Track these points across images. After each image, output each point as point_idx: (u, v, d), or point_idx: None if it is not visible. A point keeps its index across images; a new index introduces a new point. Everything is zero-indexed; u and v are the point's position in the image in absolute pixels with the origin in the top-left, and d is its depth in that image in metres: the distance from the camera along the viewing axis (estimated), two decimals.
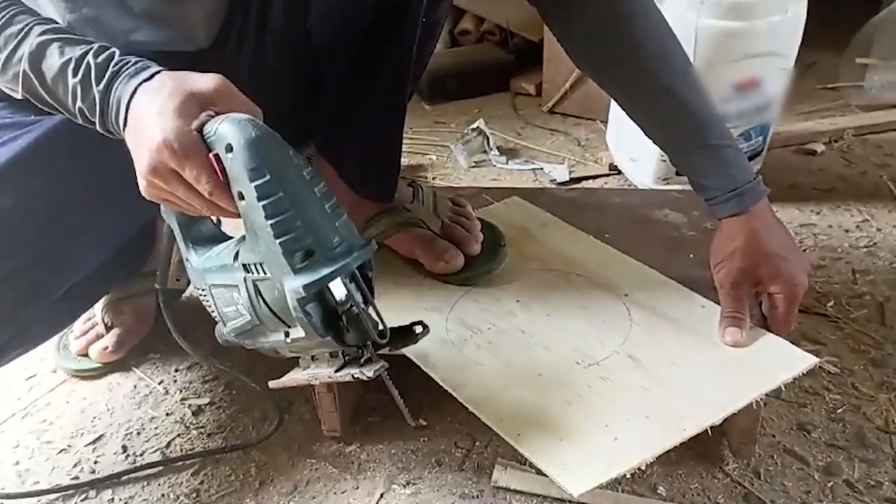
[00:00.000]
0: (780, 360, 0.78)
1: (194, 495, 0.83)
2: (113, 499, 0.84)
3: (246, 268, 0.64)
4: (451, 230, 0.94)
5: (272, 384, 0.75)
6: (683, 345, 0.81)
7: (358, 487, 0.83)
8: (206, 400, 0.97)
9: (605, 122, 1.51)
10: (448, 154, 1.60)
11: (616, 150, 1.47)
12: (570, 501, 0.77)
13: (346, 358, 0.67)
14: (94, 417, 0.95)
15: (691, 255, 0.95)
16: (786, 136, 1.52)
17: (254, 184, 0.58)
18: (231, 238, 0.70)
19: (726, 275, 0.83)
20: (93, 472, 0.87)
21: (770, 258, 0.81)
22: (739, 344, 0.79)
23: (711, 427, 0.71)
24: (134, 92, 0.62)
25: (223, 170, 0.59)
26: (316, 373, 0.70)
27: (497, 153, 1.58)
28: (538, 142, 1.65)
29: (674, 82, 0.83)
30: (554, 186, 1.45)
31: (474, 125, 1.62)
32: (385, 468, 0.85)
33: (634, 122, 0.89)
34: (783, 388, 0.74)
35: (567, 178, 1.47)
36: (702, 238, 0.96)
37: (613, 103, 1.43)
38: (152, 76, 0.62)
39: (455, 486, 0.82)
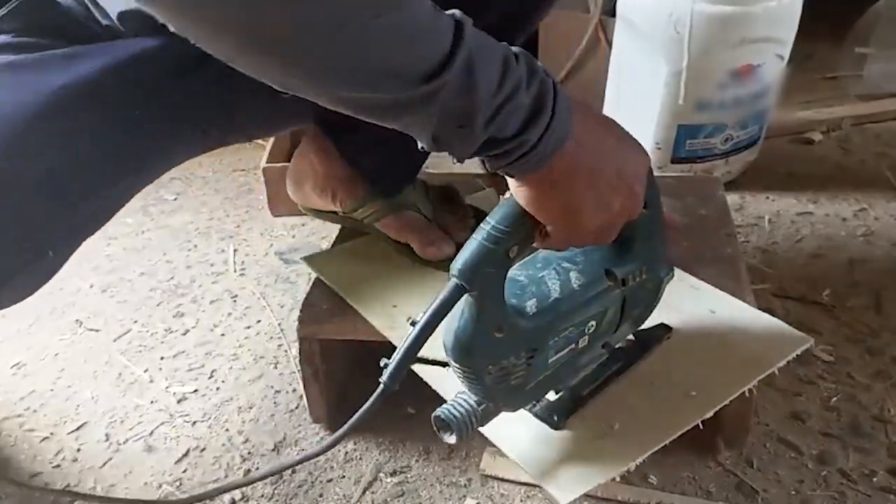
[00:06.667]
0: (774, 343, 0.75)
1: (178, 483, 0.82)
2: (95, 487, 0.82)
3: (624, 282, 0.64)
4: (443, 217, 0.92)
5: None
6: (675, 333, 0.79)
7: (344, 476, 0.81)
8: (192, 388, 0.95)
9: (600, 110, 1.49)
10: None
11: None
12: None
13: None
14: (79, 405, 0.94)
15: (685, 243, 0.94)
16: (783, 124, 1.50)
17: (656, 187, 0.63)
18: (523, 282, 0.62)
19: None
20: (75, 460, 0.86)
21: None
22: None
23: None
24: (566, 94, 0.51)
25: None
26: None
27: None
28: None
29: None
30: None
31: None
32: (372, 457, 0.83)
33: None
34: (777, 373, 0.72)
35: None
36: (696, 224, 0.94)
37: (609, 92, 1.42)
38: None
39: (443, 474, 0.80)
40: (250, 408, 0.91)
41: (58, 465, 0.85)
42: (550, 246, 0.56)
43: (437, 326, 0.54)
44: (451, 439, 0.60)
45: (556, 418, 0.67)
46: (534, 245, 0.56)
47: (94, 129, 0.62)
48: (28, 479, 0.84)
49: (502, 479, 0.79)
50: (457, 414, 0.60)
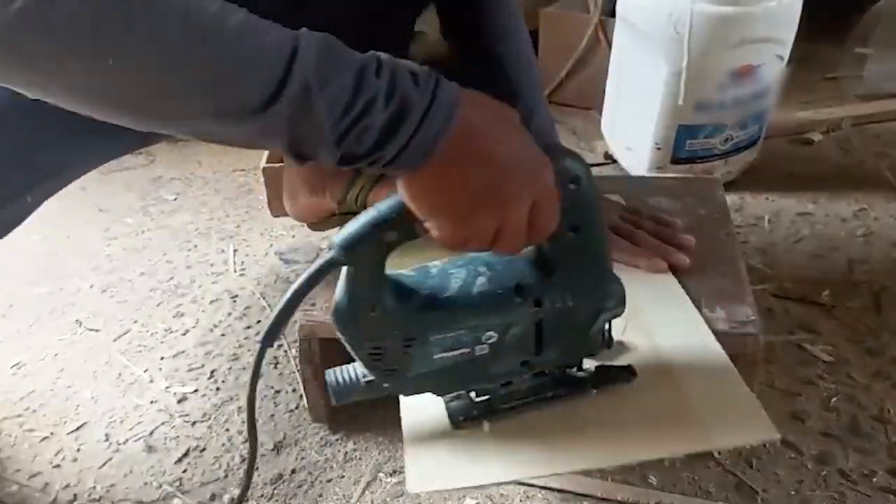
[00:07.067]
0: (737, 424, 0.66)
1: (178, 484, 0.82)
2: (95, 487, 0.82)
3: (538, 302, 0.61)
4: None
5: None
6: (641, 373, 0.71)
7: (344, 476, 0.81)
8: (191, 388, 0.95)
9: (600, 111, 1.49)
10: None
11: (611, 139, 1.45)
12: (570, 492, 0.76)
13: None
14: (78, 405, 0.94)
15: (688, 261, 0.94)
16: (783, 125, 1.50)
17: (596, 213, 0.58)
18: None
19: None
20: (75, 460, 0.86)
21: None
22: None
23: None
24: (454, 97, 0.50)
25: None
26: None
27: None
28: None
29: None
30: None
31: None
32: (372, 457, 0.83)
33: None
34: (776, 377, 0.72)
35: None
36: (696, 225, 0.94)
37: (609, 92, 1.42)
38: (455, 84, 0.52)
39: None
40: None
41: (58, 465, 0.85)
42: (440, 242, 0.55)
43: (307, 292, 0.56)
44: (332, 401, 0.65)
45: (457, 417, 0.67)
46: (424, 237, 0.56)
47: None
48: (28, 479, 0.84)
49: None
50: (340, 378, 0.64)
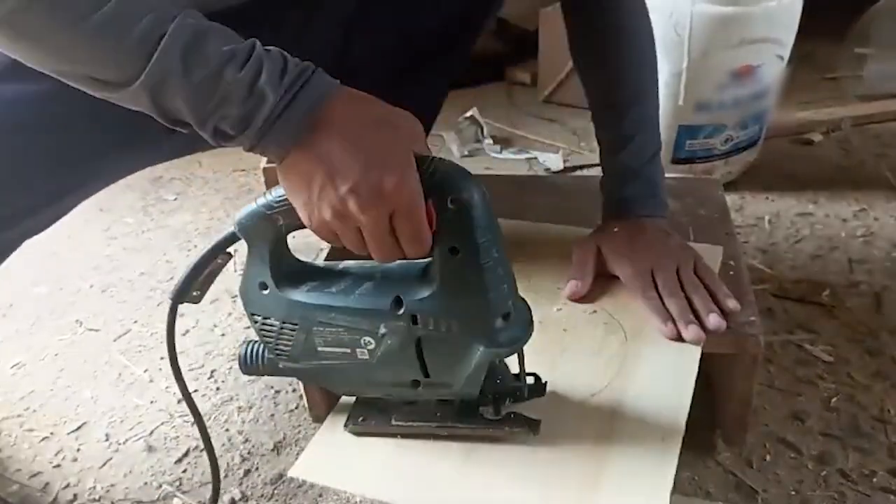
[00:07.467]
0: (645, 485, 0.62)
1: (178, 484, 0.82)
2: (95, 487, 0.82)
3: (415, 319, 0.59)
4: None
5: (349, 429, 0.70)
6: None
7: None
8: (191, 388, 0.95)
9: None
10: (441, 143, 1.59)
11: None
12: None
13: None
14: (78, 405, 0.94)
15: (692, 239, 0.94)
16: (783, 125, 1.50)
17: (482, 240, 0.55)
18: (326, 271, 0.64)
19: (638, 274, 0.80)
20: (75, 460, 0.86)
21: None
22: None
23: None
24: (323, 98, 0.52)
25: (431, 218, 0.54)
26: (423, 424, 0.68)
27: (491, 142, 1.57)
28: (533, 131, 1.63)
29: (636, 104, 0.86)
30: (547, 174, 1.44)
31: (468, 114, 1.60)
32: None
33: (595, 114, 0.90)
34: (776, 377, 0.72)
35: (561, 168, 1.45)
36: (695, 224, 0.94)
37: None
38: (335, 87, 0.54)
39: None
40: (250, 408, 0.91)
41: (58, 466, 0.85)
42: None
43: (211, 259, 0.62)
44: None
45: (351, 419, 0.70)
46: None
47: (43, 145, 0.66)
48: (28, 478, 0.84)
49: None
50: (250, 352, 0.68)
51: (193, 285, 0.63)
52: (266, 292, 0.63)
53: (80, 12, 0.49)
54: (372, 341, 0.62)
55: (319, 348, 0.64)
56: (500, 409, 0.66)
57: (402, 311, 0.59)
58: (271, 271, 0.62)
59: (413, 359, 0.62)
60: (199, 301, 0.64)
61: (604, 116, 0.88)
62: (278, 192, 0.57)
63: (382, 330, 0.61)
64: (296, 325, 0.63)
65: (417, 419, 0.68)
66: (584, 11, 0.87)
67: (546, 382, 0.68)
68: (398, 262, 0.57)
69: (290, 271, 0.63)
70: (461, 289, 0.57)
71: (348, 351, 0.63)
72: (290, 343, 0.65)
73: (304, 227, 0.57)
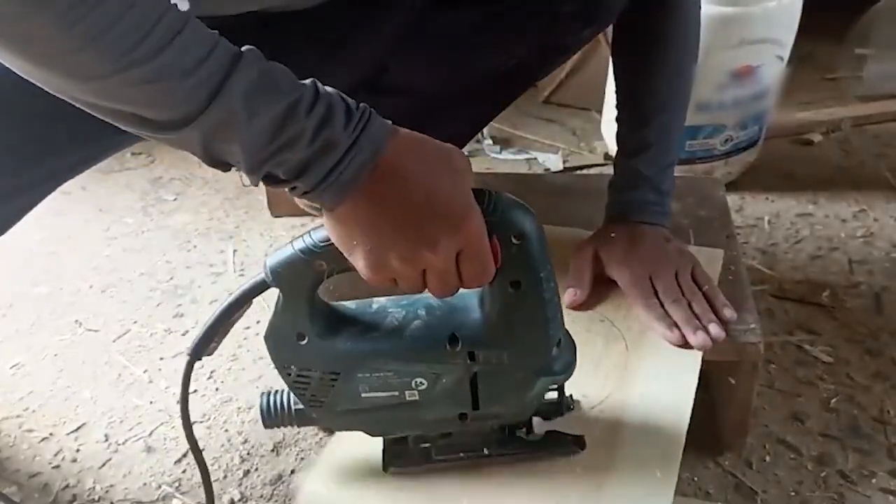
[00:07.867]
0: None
1: (177, 484, 0.82)
2: (94, 487, 0.82)
3: (472, 356, 0.58)
4: None
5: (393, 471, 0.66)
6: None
7: None
8: (191, 389, 0.95)
9: (600, 111, 1.49)
10: None
11: (611, 140, 1.45)
12: None
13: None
14: (77, 406, 0.94)
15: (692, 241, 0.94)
16: (783, 125, 1.50)
17: (542, 273, 0.55)
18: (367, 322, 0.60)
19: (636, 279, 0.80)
20: (74, 460, 0.86)
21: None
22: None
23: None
24: (384, 142, 0.49)
25: (497, 254, 0.54)
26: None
27: (491, 142, 1.56)
28: (532, 131, 1.63)
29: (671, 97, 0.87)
30: (547, 174, 1.44)
31: None
32: None
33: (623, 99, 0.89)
34: (776, 378, 0.72)
35: (561, 168, 1.45)
36: (696, 225, 0.94)
37: (609, 93, 1.42)
38: (391, 129, 0.51)
39: None
40: (250, 408, 0.91)
41: (57, 466, 0.85)
42: (364, 278, 0.54)
43: (238, 309, 0.57)
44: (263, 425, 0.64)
45: (390, 461, 0.65)
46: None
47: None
48: (27, 479, 0.84)
49: None
50: (272, 403, 0.63)
51: (213, 342, 0.58)
52: (304, 343, 0.58)
53: (132, 53, 0.42)
54: (425, 382, 0.59)
55: (363, 394, 0.60)
56: (532, 428, 0.65)
57: (458, 349, 0.58)
58: (310, 320, 0.57)
59: (466, 393, 0.60)
60: (214, 353, 0.60)
61: (628, 118, 0.88)
62: (319, 235, 0.53)
63: (439, 370, 0.59)
64: (338, 374, 0.59)
65: (460, 450, 0.65)
66: (643, 12, 0.84)
67: (572, 397, 0.68)
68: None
69: (322, 315, 0.59)
70: (520, 321, 0.57)
71: (396, 394, 0.60)
72: (328, 393, 0.60)
73: (347, 271, 0.53)
